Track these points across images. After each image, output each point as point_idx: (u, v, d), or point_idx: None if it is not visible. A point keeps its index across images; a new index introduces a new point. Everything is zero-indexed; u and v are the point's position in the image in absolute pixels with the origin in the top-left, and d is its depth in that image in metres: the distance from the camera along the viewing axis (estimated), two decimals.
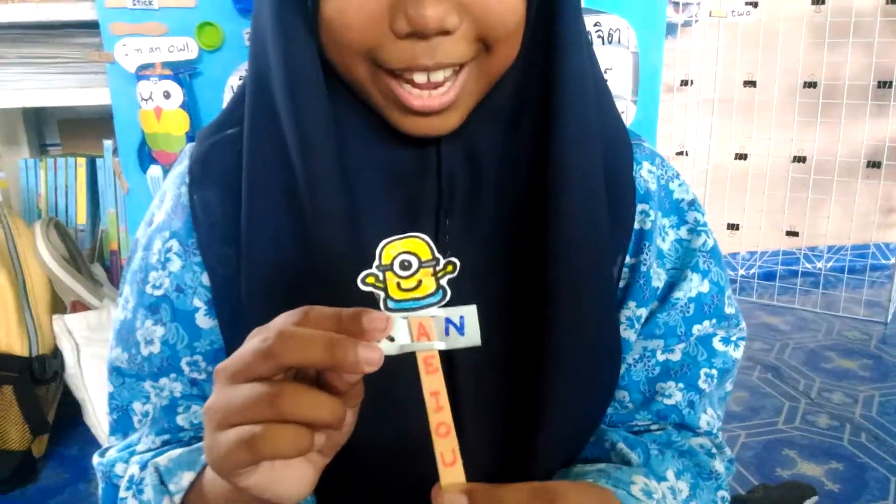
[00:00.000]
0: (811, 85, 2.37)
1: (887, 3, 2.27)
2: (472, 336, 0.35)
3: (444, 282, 0.38)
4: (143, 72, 1.20)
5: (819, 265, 2.64)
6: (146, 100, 1.21)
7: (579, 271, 0.48)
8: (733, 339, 0.57)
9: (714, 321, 0.56)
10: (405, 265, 0.38)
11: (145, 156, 1.26)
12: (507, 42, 0.45)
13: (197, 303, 0.52)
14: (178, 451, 0.49)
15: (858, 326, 2.22)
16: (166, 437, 0.54)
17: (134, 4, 1.22)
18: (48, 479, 1.45)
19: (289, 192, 0.47)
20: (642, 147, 0.57)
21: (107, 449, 0.56)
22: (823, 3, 2.30)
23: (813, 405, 1.73)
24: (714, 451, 0.57)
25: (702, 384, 0.56)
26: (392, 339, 0.34)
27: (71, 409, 1.53)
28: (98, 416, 1.51)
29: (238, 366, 0.33)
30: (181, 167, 0.55)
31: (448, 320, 0.35)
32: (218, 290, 0.51)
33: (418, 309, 0.37)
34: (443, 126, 0.46)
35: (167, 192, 0.55)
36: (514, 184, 0.50)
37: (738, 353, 0.58)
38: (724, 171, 2.50)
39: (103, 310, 1.53)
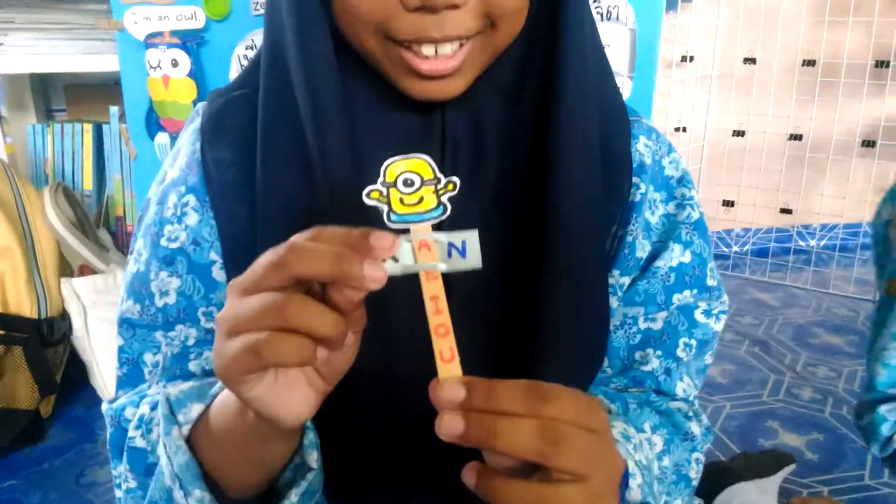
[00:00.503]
0: (810, 63, 2.38)
1: None
2: (474, 259, 0.36)
3: (444, 199, 0.40)
4: (151, 40, 1.22)
5: (812, 243, 2.68)
6: (154, 68, 1.23)
7: (575, 238, 0.51)
8: (714, 311, 0.59)
9: (695, 291, 0.58)
10: (408, 182, 0.41)
11: (153, 123, 1.28)
12: (511, 18, 0.48)
13: (213, 256, 0.54)
14: (190, 383, 0.50)
15: (847, 303, 2.27)
16: (179, 382, 0.54)
17: None
18: (55, 439, 1.50)
19: (302, 155, 0.50)
20: (640, 122, 0.59)
21: (117, 398, 0.57)
22: None
23: (798, 379, 1.79)
24: (691, 414, 0.59)
25: (680, 353, 0.58)
26: (396, 261, 0.35)
27: (76, 370, 1.58)
28: (104, 378, 1.56)
29: (250, 278, 0.35)
30: (194, 125, 0.56)
31: (451, 244, 0.36)
32: (228, 246, 0.54)
33: (420, 222, 0.38)
34: (448, 90, 0.48)
35: (181, 148, 0.57)
36: (514, 153, 0.52)
37: (718, 326, 0.60)
38: (722, 148, 2.52)
39: (110, 274, 1.57)
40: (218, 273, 0.55)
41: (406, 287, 0.37)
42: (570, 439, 0.32)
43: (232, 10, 1.23)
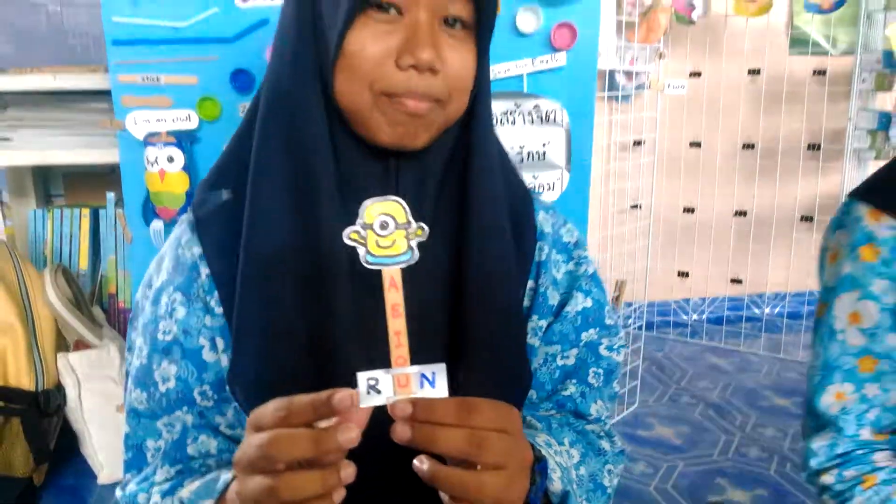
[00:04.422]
0: (749, 146, 2.61)
1: (814, 74, 2.54)
2: (441, 389, 0.43)
3: (413, 243, 0.45)
4: (150, 139, 1.38)
5: (766, 310, 2.85)
6: (152, 163, 1.39)
7: (493, 289, 0.63)
8: (615, 346, 0.73)
9: (598, 330, 0.72)
10: (384, 225, 0.45)
11: (149, 211, 1.43)
12: (460, 97, 0.61)
13: (202, 341, 0.62)
14: (197, 482, 0.57)
15: (797, 367, 2.42)
16: (179, 466, 0.63)
17: (143, 81, 1.41)
18: None
19: (288, 195, 0.58)
20: (539, 200, 0.74)
21: (126, 483, 0.65)
22: (759, 73, 2.56)
23: (747, 438, 1.91)
24: (602, 434, 0.72)
25: (591, 380, 0.71)
26: (379, 392, 0.42)
27: (68, 440, 1.67)
28: (95, 448, 1.65)
29: (246, 463, 0.43)
30: (177, 232, 0.65)
31: (423, 375, 0.43)
32: (219, 278, 0.62)
33: (392, 265, 0.44)
34: (416, 142, 0.59)
35: (165, 255, 0.65)
36: (445, 214, 0.64)
37: (619, 357, 0.73)
38: (674, 224, 2.72)
39: (103, 348, 1.68)
40: (207, 355, 0.62)
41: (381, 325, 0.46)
42: (491, 442, 0.43)
43: (222, 113, 1.40)
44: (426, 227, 0.45)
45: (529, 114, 1.35)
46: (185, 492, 0.57)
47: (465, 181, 0.64)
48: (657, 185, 2.72)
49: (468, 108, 0.63)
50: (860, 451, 0.77)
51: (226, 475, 0.55)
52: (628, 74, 2.49)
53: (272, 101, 0.61)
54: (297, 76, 0.59)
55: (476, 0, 0.59)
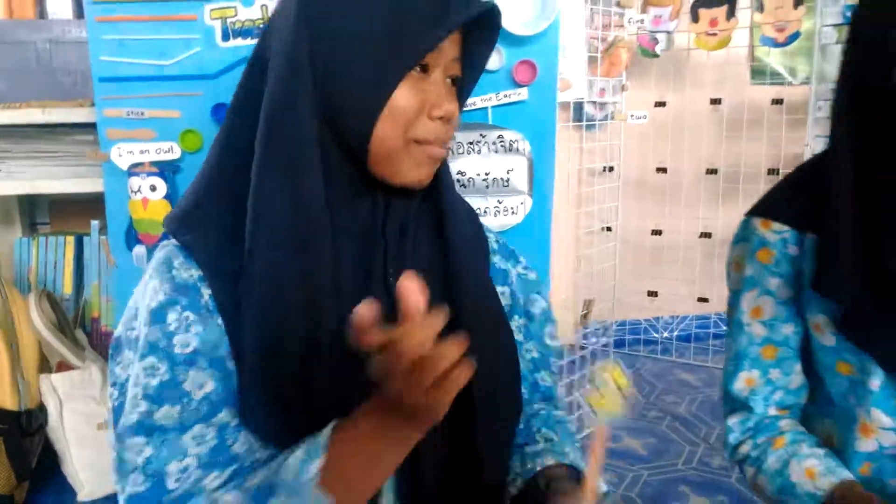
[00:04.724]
0: (713, 171, 2.73)
1: (772, 103, 2.67)
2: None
3: (628, 400, 0.61)
4: (133, 169, 1.46)
5: None
6: (135, 192, 1.46)
7: (481, 297, 0.74)
8: (555, 336, 0.85)
9: (550, 325, 0.84)
10: (603, 383, 0.60)
11: (132, 237, 1.50)
12: (450, 142, 0.70)
13: (222, 352, 0.63)
14: (282, 459, 0.60)
15: None
16: (234, 466, 0.62)
17: (128, 115, 1.48)
18: None
19: (289, 233, 0.63)
20: (487, 227, 0.85)
21: None
22: (720, 102, 2.69)
23: (710, 448, 1.99)
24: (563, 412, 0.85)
25: (553, 368, 0.84)
26: None
27: (49, 460, 1.71)
28: (76, 466, 1.69)
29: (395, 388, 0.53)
30: (163, 257, 0.66)
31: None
32: (220, 304, 0.64)
33: (609, 421, 0.60)
34: (428, 179, 0.68)
35: (153, 280, 0.65)
36: (424, 240, 0.73)
37: (556, 343, 0.86)
38: (644, 246, 2.82)
39: (85, 370, 1.73)
40: (229, 363, 0.64)
41: None
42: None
43: (204, 145, 1.48)
44: (634, 386, 0.58)
45: (494, 143, 1.44)
46: (284, 469, 0.58)
47: (439, 209, 0.72)
48: (627, 209, 2.83)
49: None
50: (768, 422, 0.88)
51: (323, 433, 0.59)
52: (594, 104, 2.61)
53: (270, 148, 0.63)
54: (298, 121, 0.62)
55: (466, 65, 0.69)
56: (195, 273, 0.65)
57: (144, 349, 0.62)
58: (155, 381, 0.61)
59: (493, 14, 0.67)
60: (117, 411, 0.64)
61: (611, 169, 2.75)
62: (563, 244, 2.72)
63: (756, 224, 0.88)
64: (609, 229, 2.75)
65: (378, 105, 0.62)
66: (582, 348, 2.31)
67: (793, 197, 0.87)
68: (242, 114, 0.66)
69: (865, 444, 0.80)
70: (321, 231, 0.63)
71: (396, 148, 0.64)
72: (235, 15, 1.46)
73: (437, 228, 0.72)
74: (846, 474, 0.79)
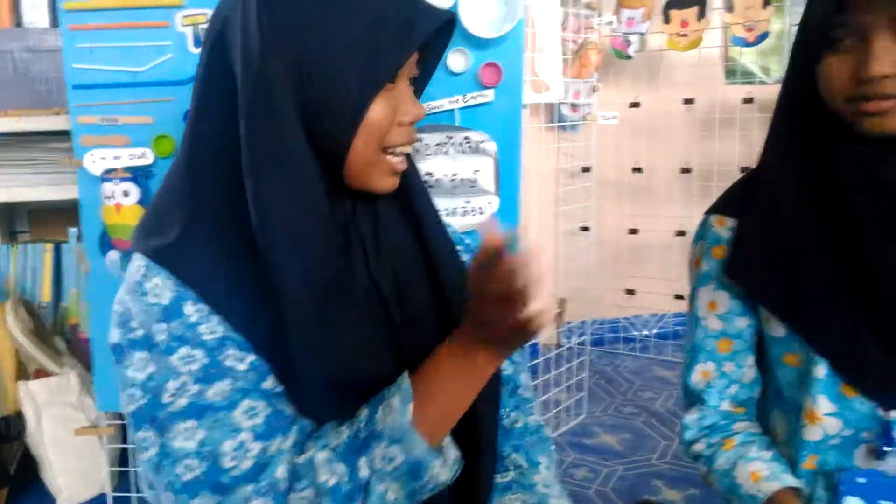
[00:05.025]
0: (687, 170, 2.77)
1: (743, 102, 2.72)
2: None
3: None
4: (107, 175, 1.48)
5: None
6: (108, 198, 1.48)
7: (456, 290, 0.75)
8: None
9: None
10: None
11: (106, 243, 1.52)
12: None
13: (240, 338, 0.64)
14: (370, 408, 0.64)
15: None
16: (296, 426, 0.64)
17: (102, 121, 1.50)
18: None
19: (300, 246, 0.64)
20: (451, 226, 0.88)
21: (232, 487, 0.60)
22: (693, 102, 2.74)
23: None
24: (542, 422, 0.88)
25: (516, 358, 0.86)
26: None
27: (28, 465, 1.72)
28: (54, 472, 1.71)
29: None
30: (142, 264, 0.65)
31: None
32: (215, 304, 0.63)
33: None
34: (395, 187, 0.71)
35: (156, 278, 0.63)
36: (397, 237, 0.75)
37: None
38: (621, 245, 2.86)
39: (63, 376, 1.75)
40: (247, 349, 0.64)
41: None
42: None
43: (176, 149, 1.50)
44: None
45: (461, 144, 1.47)
46: (378, 419, 0.62)
47: (410, 206, 0.75)
48: (604, 208, 2.86)
49: None
50: (723, 422, 0.90)
51: (402, 381, 0.63)
52: (572, 106, 2.65)
53: (262, 151, 0.63)
54: (283, 125, 0.63)
55: (422, 66, 0.71)
56: (169, 295, 0.64)
57: (172, 342, 0.62)
58: (196, 367, 0.61)
59: (452, 19, 0.71)
60: (145, 409, 0.62)
61: (587, 170, 2.79)
62: (541, 244, 2.75)
63: (712, 221, 0.91)
64: (587, 229, 2.79)
65: (355, 123, 0.64)
66: (558, 346, 2.34)
67: (745, 193, 0.89)
68: (210, 120, 0.66)
69: (811, 433, 0.82)
70: (328, 225, 0.66)
71: (372, 160, 0.67)
72: (206, 22, 1.48)
73: (410, 224, 0.75)
74: (789, 480, 0.81)
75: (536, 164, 2.69)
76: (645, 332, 2.95)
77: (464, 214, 1.48)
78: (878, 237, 0.76)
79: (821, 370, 0.80)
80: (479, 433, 0.72)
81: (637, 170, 2.80)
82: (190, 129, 0.68)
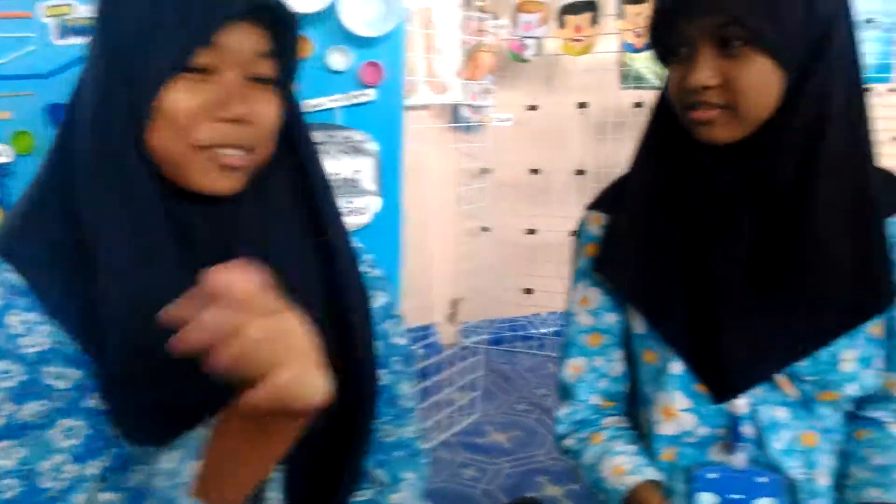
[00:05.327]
0: (581, 172, 2.86)
1: (634, 106, 2.82)
2: None
3: None
4: None
5: None
6: None
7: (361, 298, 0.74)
8: (403, 334, 0.85)
9: (392, 321, 0.84)
10: None
11: None
12: (268, 143, 0.68)
13: (71, 350, 0.61)
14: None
15: None
16: (113, 450, 0.61)
17: None
18: None
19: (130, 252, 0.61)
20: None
21: None
22: (587, 106, 2.82)
23: None
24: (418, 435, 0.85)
25: (396, 367, 0.83)
26: None
27: None
28: None
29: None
30: None
31: None
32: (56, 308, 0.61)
33: None
34: (234, 186, 0.65)
35: None
36: (278, 243, 0.71)
37: (405, 342, 0.86)
38: (519, 245, 2.92)
39: None
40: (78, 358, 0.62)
41: None
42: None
43: (35, 147, 1.42)
44: None
45: (342, 144, 1.46)
46: (157, 473, 0.57)
47: (311, 199, 0.72)
48: (503, 209, 2.91)
49: (290, 143, 0.70)
50: (593, 416, 0.91)
51: (197, 435, 0.56)
52: (471, 107, 2.68)
53: (97, 159, 0.61)
54: (120, 133, 0.61)
55: (279, 61, 0.66)
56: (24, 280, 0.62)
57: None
58: (13, 383, 0.58)
59: (273, 5, 0.65)
60: None
61: (486, 171, 2.83)
62: (442, 244, 2.78)
63: (589, 219, 0.93)
64: (487, 229, 2.83)
65: (143, 111, 0.61)
66: (464, 349, 2.36)
67: (618, 192, 0.92)
68: (72, 126, 0.65)
69: (667, 428, 0.84)
70: (160, 237, 0.62)
71: (178, 154, 0.63)
72: (71, 13, 1.41)
73: (307, 227, 0.72)
74: (651, 474, 0.83)
75: (438, 164, 2.71)
76: (543, 331, 3.02)
77: (346, 215, 1.47)
78: (716, 244, 0.80)
79: (676, 367, 0.82)
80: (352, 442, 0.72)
81: (534, 171, 2.86)
82: (56, 135, 0.66)
